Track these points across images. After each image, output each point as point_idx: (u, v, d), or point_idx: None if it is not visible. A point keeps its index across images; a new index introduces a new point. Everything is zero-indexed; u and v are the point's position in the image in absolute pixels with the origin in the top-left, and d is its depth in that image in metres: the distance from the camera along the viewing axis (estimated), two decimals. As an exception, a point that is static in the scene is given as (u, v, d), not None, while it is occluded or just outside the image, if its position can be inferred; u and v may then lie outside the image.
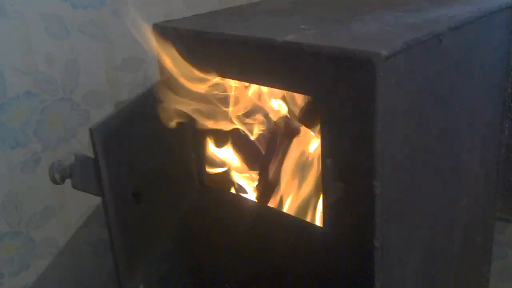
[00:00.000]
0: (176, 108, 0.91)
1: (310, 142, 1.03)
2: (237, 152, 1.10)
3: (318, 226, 0.94)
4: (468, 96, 0.98)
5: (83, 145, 1.19)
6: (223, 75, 0.96)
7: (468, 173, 1.07)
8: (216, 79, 0.94)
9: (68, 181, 0.79)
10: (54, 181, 0.74)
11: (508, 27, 1.04)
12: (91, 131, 0.71)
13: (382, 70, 0.72)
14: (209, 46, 0.93)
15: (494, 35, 1.01)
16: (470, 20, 0.90)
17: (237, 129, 1.08)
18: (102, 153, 0.73)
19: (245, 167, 1.11)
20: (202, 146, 1.06)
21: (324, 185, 0.84)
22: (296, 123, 1.06)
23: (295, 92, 0.98)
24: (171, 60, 0.93)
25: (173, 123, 0.92)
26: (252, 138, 1.09)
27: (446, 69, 0.89)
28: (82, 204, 1.24)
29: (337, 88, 0.78)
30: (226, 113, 1.05)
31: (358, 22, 0.91)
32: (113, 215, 0.77)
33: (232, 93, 1.05)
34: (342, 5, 1.10)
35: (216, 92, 1.01)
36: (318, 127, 0.96)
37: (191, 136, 1.03)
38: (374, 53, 0.72)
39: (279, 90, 1.05)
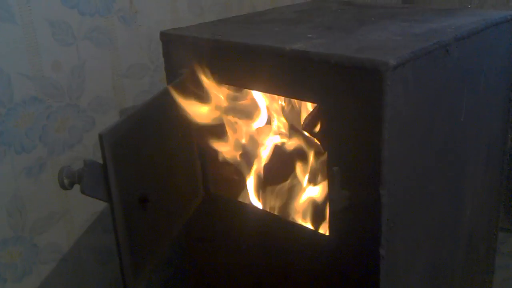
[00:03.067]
0: (182, 115, 0.92)
1: (317, 150, 1.03)
2: (243, 159, 1.10)
3: (324, 234, 0.94)
4: (474, 105, 0.98)
5: (88, 151, 1.20)
6: (231, 82, 0.97)
7: (472, 182, 1.07)
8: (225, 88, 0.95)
9: (73, 187, 0.79)
10: (63, 186, 0.74)
11: (513, 37, 1.05)
12: (100, 136, 0.71)
13: (389, 79, 0.73)
14: (216, 54, 0.93)
15: (499, 45, 1.02)
16: (476, 30, 0.91)
17: (244, 135, 1.08)
18: (111, 159, 0.73)
19: (250, 174, 1.11)
20: (207, 153, 1.06)
21: (330, 193, 0.85)
22: (302, 132, 1.06)
23: (302, 100, 0.98)
24: (178, 68, 0.93)
25: (179, 130, 0.92)
26: (259, 145, 1.10)
27: (452, 79, 0.89)
28: (86, 210, 1.24)
29: (344, 97, 0.78)
30: (233, 120, 1.06)
31: (366, 31, 0.92)
32: (120, 220, 0.77)
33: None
34: (347, 14, 1.10)
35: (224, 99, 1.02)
36: (324, 135, 0.96)
37: (197, 143, 1.03)
38: (382, 62, 0.72)
39: (287, 98, 1.05)
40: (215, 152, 1.06)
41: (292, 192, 1.05)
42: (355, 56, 0.76)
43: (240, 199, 1.11)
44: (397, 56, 0.74)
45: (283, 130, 1.10)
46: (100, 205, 1.24)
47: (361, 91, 0.76)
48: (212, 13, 1.37)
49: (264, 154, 1.11)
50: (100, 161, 0.74)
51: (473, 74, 0.95)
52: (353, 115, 0.78)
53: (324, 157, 0.96)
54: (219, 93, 0.96)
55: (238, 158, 1.10)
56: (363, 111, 0.77)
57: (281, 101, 1.09)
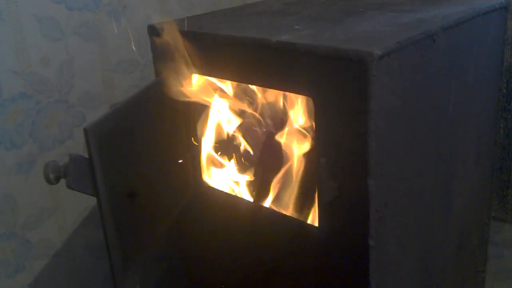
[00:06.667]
0: (170, 108, 0.92)
1: (305, 142, 1.03)
2: (232, 152, 1.10)
3: (314, 226, 0.94)
4: (462, 95, 0.98)
5: (78, 146, 1.19)
6: (219, 75, 0.96)
7: (462, 172, 1.07)
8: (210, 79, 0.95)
9: (64, 182, 0.79)
10: (49, 181, 0.74)
11: (501, 27, 1.05)
12: (85, 130, 0.71)
13: (375, 69, 0.72)
14: (204, 47, 0.93)
15: (488, 35, 1.01)
16: (464, 20, 0.91)
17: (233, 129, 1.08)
18: (96, 153, 0.73)
19: (240, 167, 1.11)
20: (197, 147, 1.06)
21: (319, 184, 0.85)
22: (289, 123, 1.06)
23: (290, 92, 0.98)
24: (166, 61, 0.93)
25: (168, 123, 0.92)
26: (248, 138, 1.09)
27: (440, 69, 0.89)
28: (78, 205, 1.23)
29: (331, 87, 0.78)
30: (221, 113, 1.06)
31: (352, 22, 0.92)
32: (107, 215, 0.77)
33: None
34: (335, 6, 1.10)
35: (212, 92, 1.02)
36: (312, 127, 0.96)
37: (186, 136, 1.03)
38: (368, 52, 0.72)
39: (274, 90, 1.05)
40: (205, 145, 1.06)
41: (282, 184, 1.05)
42: (340, 47, 0.76)
43: (231, 192, 1.11)
44: (383, 46, 0.74)
45: (273, 121, 1.10)
46: (92, 200, 1.23)
47: (347, 82, 0.76)
48: (201, 7, 1.37)
49: (254, 145, 1.11)
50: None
51: (461, 64, 0.95)
52: (340, 106, 0.78)
53: (313, 148, 0.96)
54: (207, 86, 0.96)
55: (228, 151, 1.10)
56: (350, 102, 0.77)
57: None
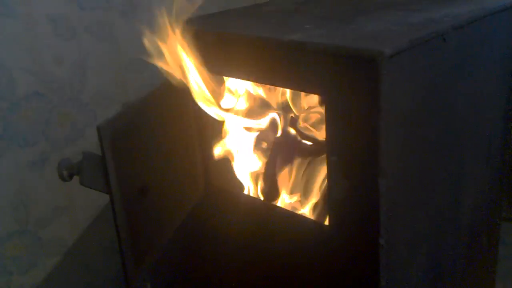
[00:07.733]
0: (182, 107, 0.92)
1: (315, 141, 1.03)
2: (243, 151, 1.11)
3: (324, 225, 0.94)
4: (472, 95, 0.98)
5: (91, 144, 1.20)
6: (230, 74, 0.97)
7: (473, 172, 1.07)
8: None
9: (76, 181, 0.80)
10: (62, 178, 0.75)
11: (512, 26, 1.04)
12: (98, 128, 0.72)
13: (386, 68, 0.73)
14: (215, 46, 0.94)
15: (498, 34, 1.01)
16: (474, 19, 0.91)
17: (244, 127, 1.08)
18: (109, 150, 0.74)
19: (251, 166, 1.11)
20: (208, 146, 1.06)
21: (330, 183, 0.85)
22: (301, 123, 1.06)
23: (301, 91, 0.98)
24: (177, 60, 0.93)
25: (179, 121, 0.93)
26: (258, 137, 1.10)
27: (450, 68, 0.89)
28: (90, 203, 1.25)
29: (341, 86, 0.78)
30: (233, 112, 1.06)
31: (363, 21, 0.92)
32: (120, 211, 0.78)
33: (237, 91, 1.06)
34: (346, 5, 1.10)
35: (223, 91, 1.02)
36: (323, 126, 0.96)
37: (197, 135, 1.04)
38: (378, 51, 0.72)
39: (286, 89, 1.05)
40: (216, 145, 1.07)
41: (292, 182, 1.05)
42: (351, 46, 0.76)
43: (242, 191, 1.11)
44: (393, 45, 0.74)
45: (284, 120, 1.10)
46: (104, 198, 1.24)
47: (357, 81, 0.76)
48: (213, 5, 1.37)
49: (265, 146, 1.11)
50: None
51: (471, 63, 0.95)
52: (350, 104, 0.78)
53: (324, 147, 0.97)
54: (218, 86, 0.97)
55: (238, 151, 1.11)
56: (360, 101, 0.77)
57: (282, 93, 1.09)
